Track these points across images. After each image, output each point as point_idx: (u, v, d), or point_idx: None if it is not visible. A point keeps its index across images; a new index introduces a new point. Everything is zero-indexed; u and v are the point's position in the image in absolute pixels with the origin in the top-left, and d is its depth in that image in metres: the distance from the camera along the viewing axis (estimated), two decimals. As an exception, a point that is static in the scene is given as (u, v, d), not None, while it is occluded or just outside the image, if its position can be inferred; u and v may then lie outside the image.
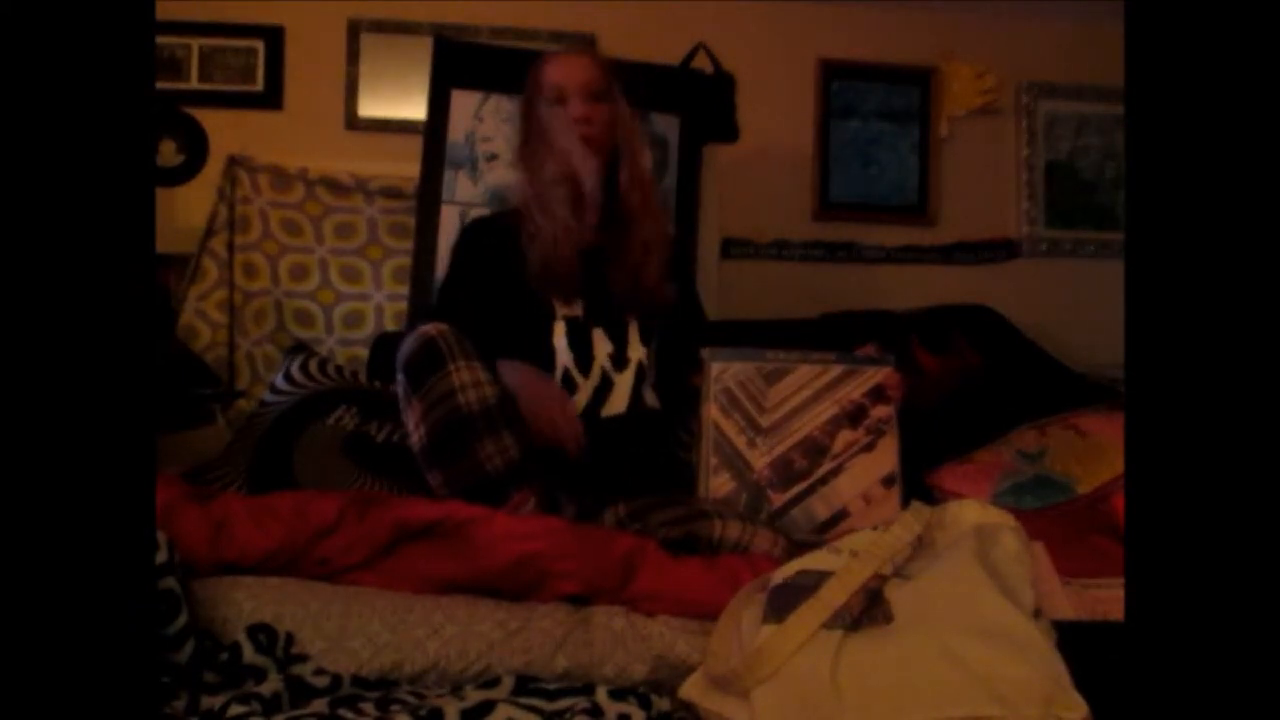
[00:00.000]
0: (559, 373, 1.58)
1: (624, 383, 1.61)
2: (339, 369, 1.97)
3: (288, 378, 1.91)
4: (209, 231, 2.34)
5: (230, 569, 1.21)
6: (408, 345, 1.42)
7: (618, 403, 1.60)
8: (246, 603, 1.14)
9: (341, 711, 0.98)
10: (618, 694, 1.04)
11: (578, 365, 1.59)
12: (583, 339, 1.60)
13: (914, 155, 2.98)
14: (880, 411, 1.61)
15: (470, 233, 1.74)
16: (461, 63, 2.22)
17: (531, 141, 1.65)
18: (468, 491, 1.38)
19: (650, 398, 1.66)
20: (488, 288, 1.61)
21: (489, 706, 0.98)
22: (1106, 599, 1.31)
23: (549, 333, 1.59)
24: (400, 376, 1.43)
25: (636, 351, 1.64)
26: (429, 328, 1.42)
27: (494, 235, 1.67)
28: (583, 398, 1.58)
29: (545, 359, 1.58)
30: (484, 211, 2.09)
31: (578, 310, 1.62)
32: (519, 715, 0.98)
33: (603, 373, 1.60)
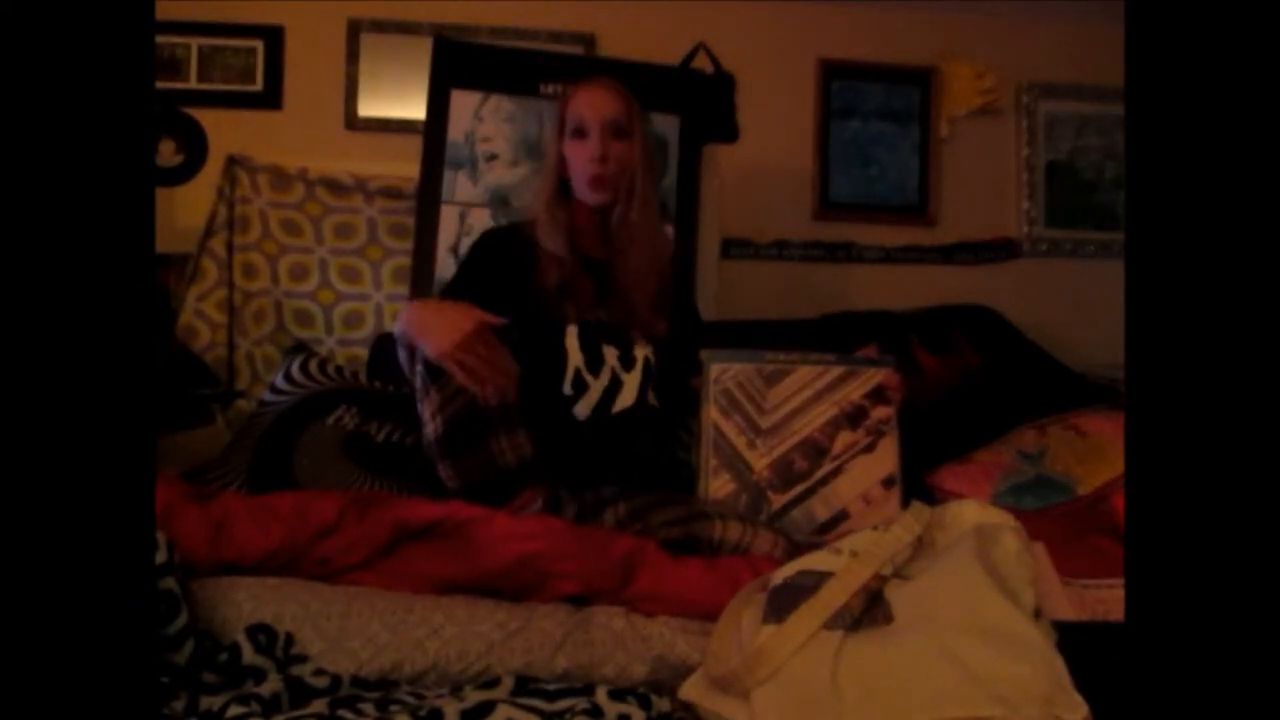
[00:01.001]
0: (570, 372, 1.59)
1: (633, 380, 1.63)
2: (339, 369, 1.97)
3: (288, 378, 1.91)
4: (208, 231, 2.33)
5: (230, 569, 1.21)
6: None
7: (626, 398, 1.62)
8: (246, 603, 1.14)
9: (341, 712, 0.98)
10: (618, 694, 1.04)
11: (588, 366, 1.60)
12: (594, 342, 1.62)
13: (914, 155, 2.98)
14: (880, 413, 1.60)
15: (487, 239, 1.77)
16: (461, 63, 2.22)
17: (553, 166, 1.70)
18: (478, 485, 1.39)
19: (652, 395, 1.67)
20: (497, 292, 1.62)
21: (489, 707, 0.98)
22: (1106, 599, 1.31)
23: (561, 335, 1.60)
24: (420, 368, 1.44)
25: (643, 350, 1.65)
26: None
27: (510, 243, 1.69)
28: (594, 396, 1.60)
29: (557, 360, 1.60)
30: (484, 211, 2.13)
31: (589, 317, 1.64)
32: (519, 716, 0.98)
33: (613, 373, 1.61)
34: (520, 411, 1.43)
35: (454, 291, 1.69)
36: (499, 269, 1.67)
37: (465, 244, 2.11)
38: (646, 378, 1.64)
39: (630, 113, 1.65)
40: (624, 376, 1.62)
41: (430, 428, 1.43)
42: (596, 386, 1.60)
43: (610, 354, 1.62)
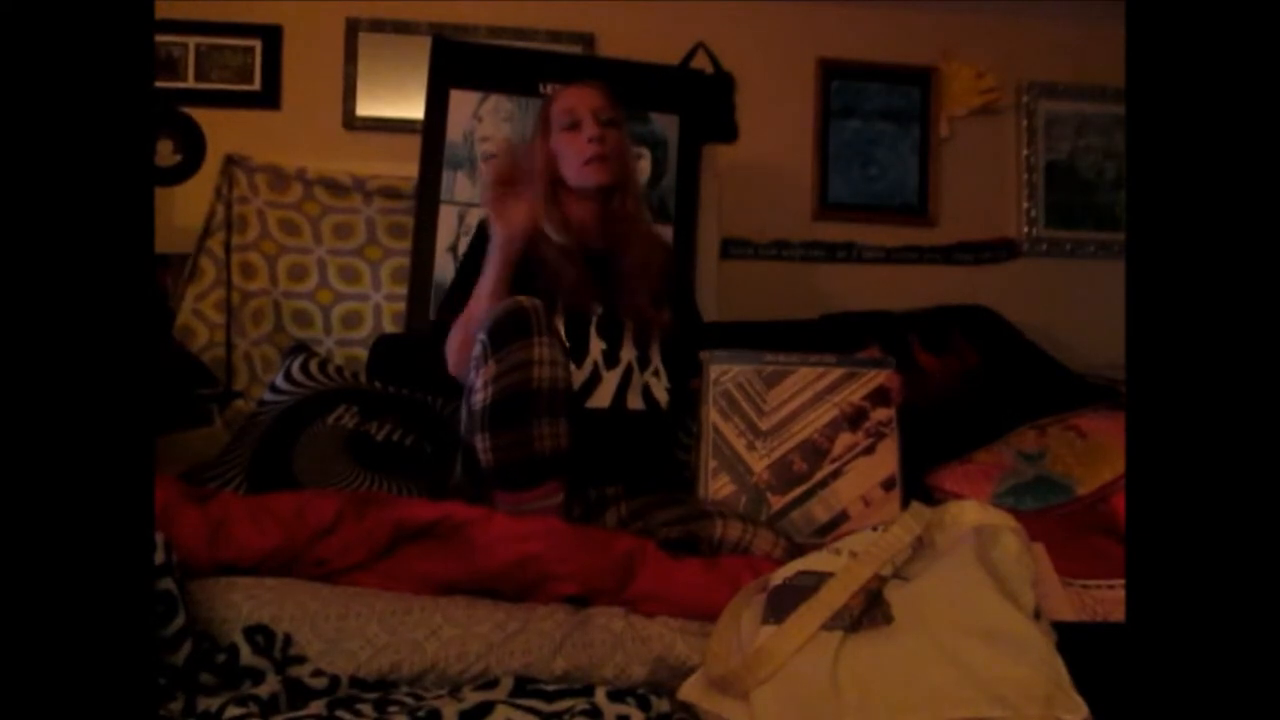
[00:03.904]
0: None
1: (611, 380, 1.62)
2: (339, 369, 1.97)
3: (288, 377, 1.91)
4: (206, 231, 2.33)
5: (229, 569, 1.21)
6: (497, 310, 1.45)
7: (601, 398, 1.60)
8: (244, 604, 1.14)
9: (339, 713, 0.98)
10: (617, 695, 1.04)
11: (573, 356, 1.60)
12: (581, 332, 1.61)
13: (914, 155, 2.98)
14: (880, 414, 1.60)
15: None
16: (460, 62, 2.22)
17: (542, 169, 1.69)
18: (509, 465, 1.39)
19: (633, 400, 1.65)
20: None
21: (487, 708, 0.98)
22: (1106, 599, 1.31)
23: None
24: (482, 336, 1.44)
25: (628, 353, 1.64)
26: (523, 299, 1.45)
27: None
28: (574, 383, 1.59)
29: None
30: (483, 211, 2.10)
31: (590, 311, 1.63)
32: (517, 716, 0.98)
33: (594, 366, 1.61)
34: (567, 399, 1.43)
35: (462, 278, 1.71)
36: None
37: (464, 244, 2.11)
38: (626, 381, 1.62)
39: (614, 107, 1.69)
40: (604, 374, 1.61)
41: (479, 396, 1.42)
42: (578, 377, 1.59)
43: (596, 345, 1.62)
